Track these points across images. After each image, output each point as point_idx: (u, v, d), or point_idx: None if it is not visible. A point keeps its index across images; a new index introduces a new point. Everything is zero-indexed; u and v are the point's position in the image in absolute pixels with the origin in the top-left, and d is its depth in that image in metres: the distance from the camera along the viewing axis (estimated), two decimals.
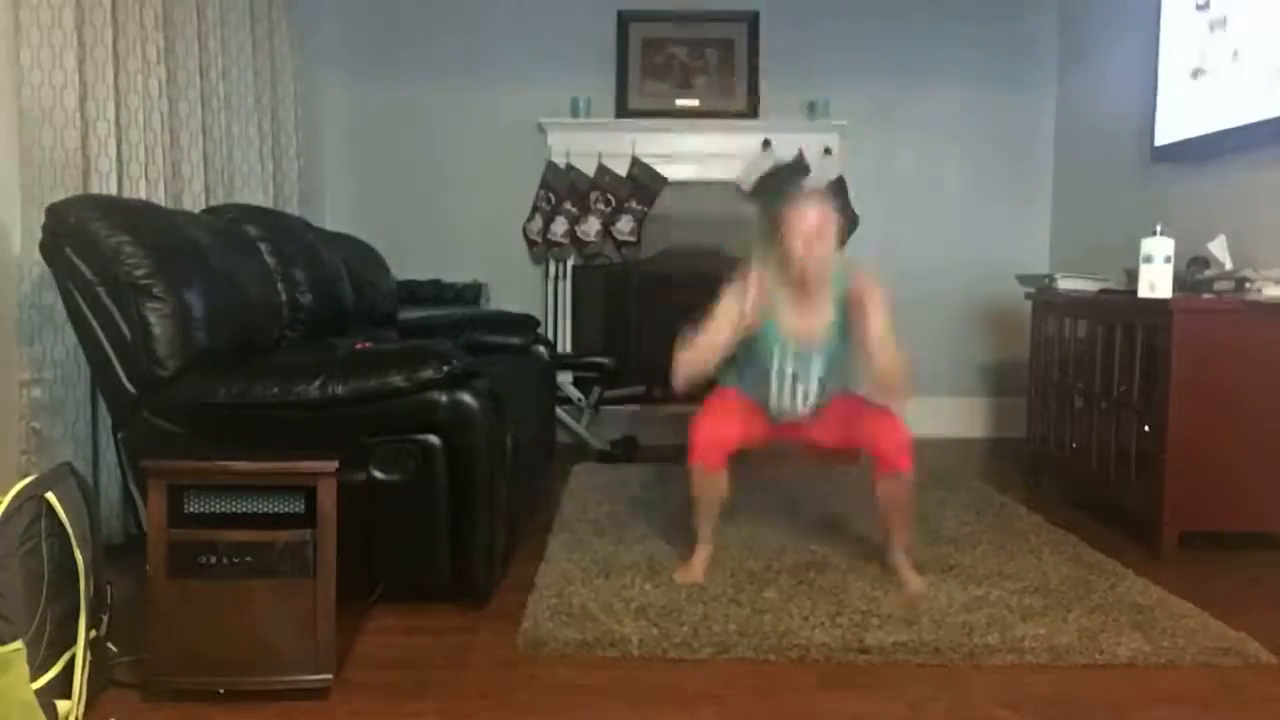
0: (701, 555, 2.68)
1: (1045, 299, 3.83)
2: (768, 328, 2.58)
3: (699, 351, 2.56)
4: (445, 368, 2.29)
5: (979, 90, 4.95)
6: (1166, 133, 3.73)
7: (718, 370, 2.66)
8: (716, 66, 4.94)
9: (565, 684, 2.02)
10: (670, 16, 4.93)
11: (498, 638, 2.24)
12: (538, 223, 4.85)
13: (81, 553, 1.82)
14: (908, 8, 4.92)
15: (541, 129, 4.88)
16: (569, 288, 4.95)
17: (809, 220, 2.51)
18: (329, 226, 4.35)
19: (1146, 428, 3.04)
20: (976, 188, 4.99)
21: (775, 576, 2.61)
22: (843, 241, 4.86)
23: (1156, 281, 3.05)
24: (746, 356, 2.64)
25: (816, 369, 2.61)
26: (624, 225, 4.82)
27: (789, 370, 2.60)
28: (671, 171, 4.85)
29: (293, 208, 4.18)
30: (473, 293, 4.76)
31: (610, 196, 4.83)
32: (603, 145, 4.84)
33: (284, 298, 3.01)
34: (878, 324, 2.50)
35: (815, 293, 2.58)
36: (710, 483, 2.62)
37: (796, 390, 2.62)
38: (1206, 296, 3.05)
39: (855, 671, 2.09)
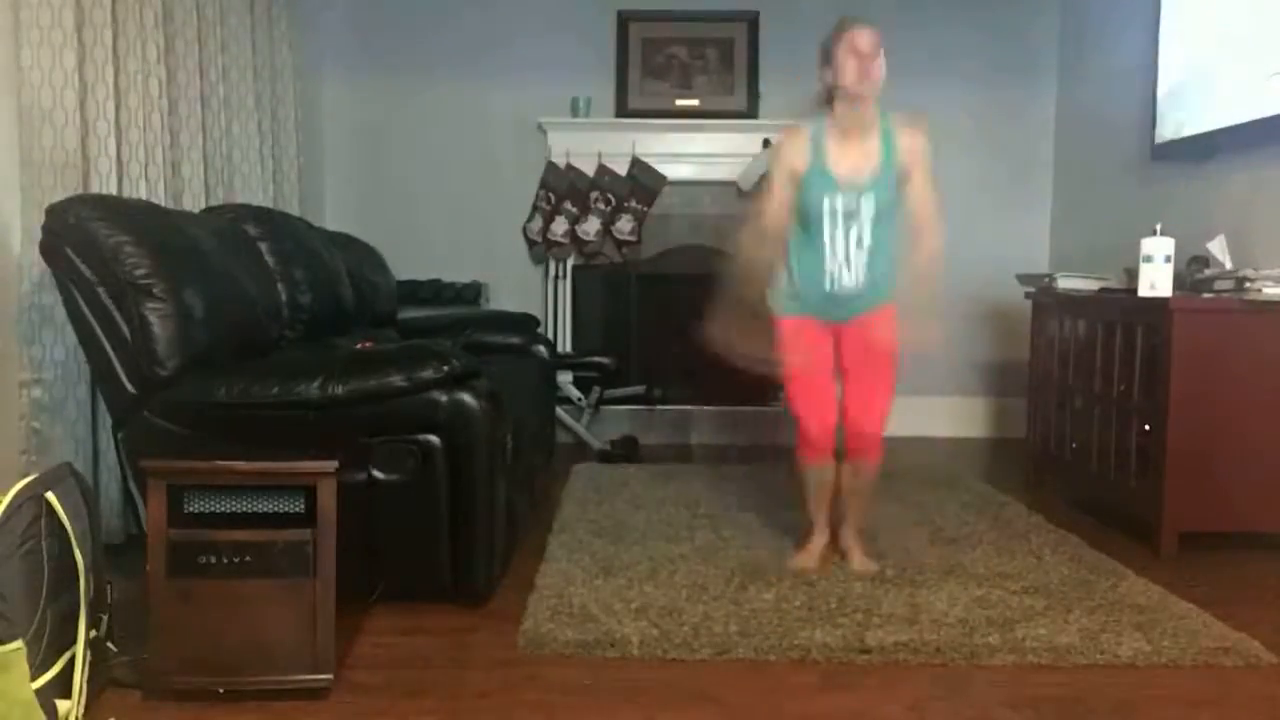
0: (819, 542, 2.75)
1: (1045, 299, 3.83)
2: (813, 170, 2.51)
3: (766, 223, 2.55)
4: (445, 368, 2.29)
5: (979, 89, 4.94)
6: (1166, 131, 3.73)
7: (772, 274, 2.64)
8: (716, 66, 4.94)
9: (565, 684, 2.02)
10: (670, 16, 4.93)
11: (498, 638, 2.23)
12: (538, 223, 4.86)
13: (81, 553, 1.82)
14: (908, 7, 4.91)
15: (541, 129, 4.88)
16: (569, 288, 4.95)
17: (862, 39, 2.42)
18: (329, 226, 4.35)
19: (1146, 428, 3.04)
20: (976, 187, 4.98)
21: (776, 577, 2.61)
22: None
23: (1156, 281, 3.05)
24: (797, 225, 2.57)
25: (868, 209, 2.49)
26: (624, 225, 4.82)
27: (839, 209, 2.49)
28: (671, 171, 4.85)
29: (293, 208, 4.18)
30: (473, 293, 4.76)
31: (610, 196, 4.83)
32: (603, 145, 4.84)
33: (284, 298, 3.01)
34: (920, 183, 2.53)
35: (865, 133, 2.51)
36: (823, 471, 2.70)
37: (850, 237, 2.50)
38: (1206, 296, 3.05)
39: (855, 671, 2.09)
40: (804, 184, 2.52)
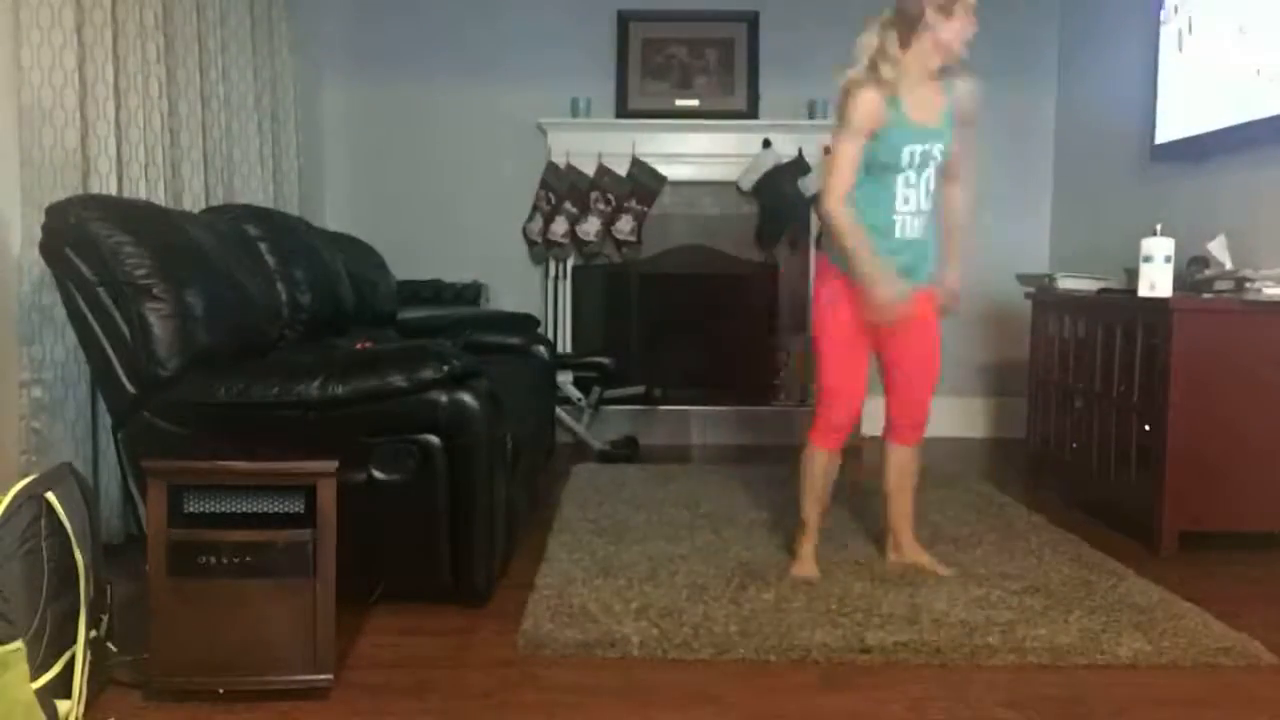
0: (811, 544, 2.68)
1: (1045, 299, 3.83)
2: (893, 121, 2.46)
3: (841, 176, 2.45)
4: (445, 368, 2.29)
5: (979, 89, 4.93)
6: (1166, 132, 3.73)
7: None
8: (716, 66, 4.94)
9: (565, 684, 2.02)
10: (670, 16, 4.93)
11: (498, 638, 2.23)
12: (538, 223, 4.86)
13: (81, 553, 1.82)
14: None
15: (541, 129, 4.88)
16: (569, 288, 4.95)
17: (974, 9, 2.51)
18: (329, 226, 4.35)
19: (1146, 428, 3.04)
20: (976, 187, 4.97)
21: (776, 578, 2.61)
22: None
23: (1156, 281, 3.05)
24: (865, 178, 2.51)
25: (938, 154, 2.53)
26: (624, 225, 4.82)
27: (915, 157, 2.48)
28: (671, 171, 4.85)
29: (293, 208, 4.18)
30: (473, 293, 4.76)
31: (610, 196, 4.83)
32: (603, 145, 4.84)
33: (284, 298, 3.01)
34: (970, 131, 2.63)
35: (932, 78, 2.56)
36: (832, 459, 2.63)
37: (921, 184, 2.51)
38: (1206, 296, 3.05)
39: (855, 671, 2.09)
40: (882, 136, 2.47)
